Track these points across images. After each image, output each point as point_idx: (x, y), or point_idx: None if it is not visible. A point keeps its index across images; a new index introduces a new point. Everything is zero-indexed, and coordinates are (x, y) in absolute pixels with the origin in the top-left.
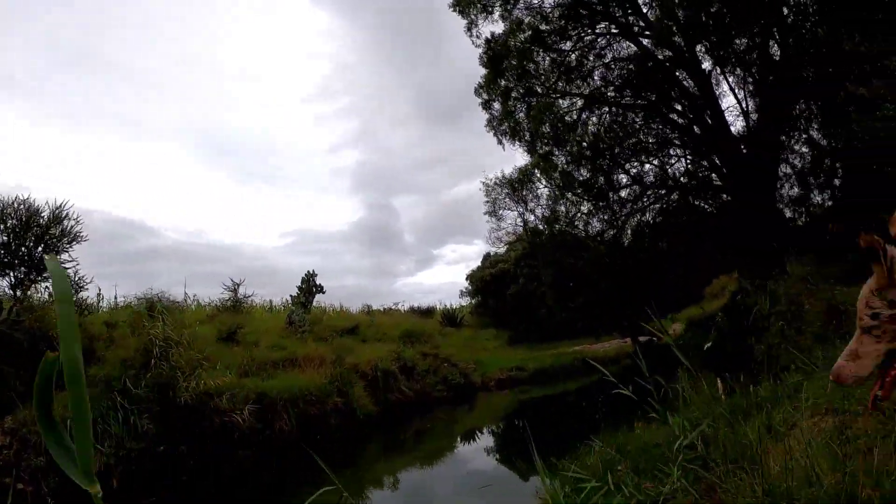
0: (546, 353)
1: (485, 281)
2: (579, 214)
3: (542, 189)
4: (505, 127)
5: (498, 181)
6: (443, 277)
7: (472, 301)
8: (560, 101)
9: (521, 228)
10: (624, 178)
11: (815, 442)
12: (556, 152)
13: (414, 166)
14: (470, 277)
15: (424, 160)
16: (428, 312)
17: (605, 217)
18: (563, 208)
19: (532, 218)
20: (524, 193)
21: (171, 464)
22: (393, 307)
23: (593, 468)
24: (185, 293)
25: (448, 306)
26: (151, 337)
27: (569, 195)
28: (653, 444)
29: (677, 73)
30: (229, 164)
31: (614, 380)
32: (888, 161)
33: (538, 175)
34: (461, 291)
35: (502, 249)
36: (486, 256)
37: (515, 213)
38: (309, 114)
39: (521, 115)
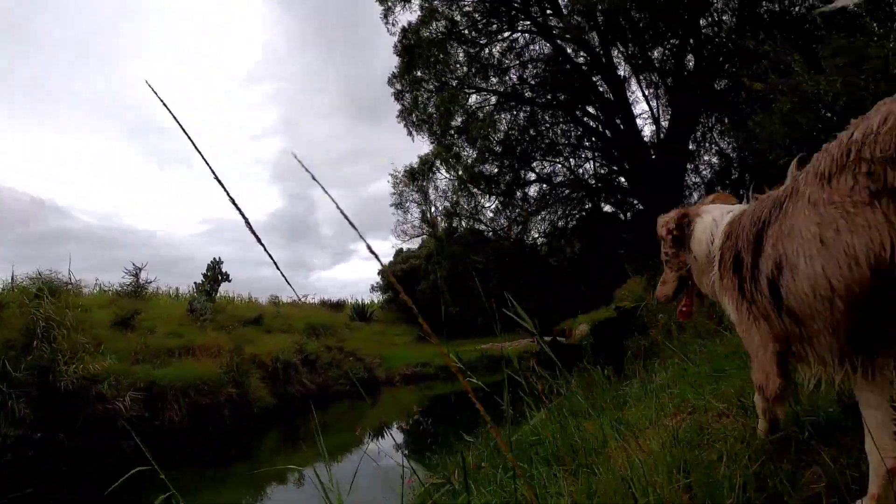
0: (453, 350)
1: (396, 276)
2: (482, 209)
3: (444, 181)
4: (414, 117)
5: (404, 173)
6: (359, 272)
7: (383, 296)
8: (474, 95)
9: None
10: (532, 177)
11: (666, 443)
12: (464, 145)
13: (338, 159)
14: (381, 273)
15: (348, 153)
16: (338, 306)
17: (512, 215)
18: (463, 202)
19: (433, 210)
20: (424, 184)
21: (50, 452)
22: (302, 299)
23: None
24: (71, 273)
25: (359, 301)
26: (34, 317)
27: (473, 189)
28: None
29: (593, 78)
30: (151, 146)
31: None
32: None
33: (439, 165)
34: (372, 286)
35: (413, 245)
36: (399, 252)
37: (422, 206)
38: (236, 100)
39: (431, 107)
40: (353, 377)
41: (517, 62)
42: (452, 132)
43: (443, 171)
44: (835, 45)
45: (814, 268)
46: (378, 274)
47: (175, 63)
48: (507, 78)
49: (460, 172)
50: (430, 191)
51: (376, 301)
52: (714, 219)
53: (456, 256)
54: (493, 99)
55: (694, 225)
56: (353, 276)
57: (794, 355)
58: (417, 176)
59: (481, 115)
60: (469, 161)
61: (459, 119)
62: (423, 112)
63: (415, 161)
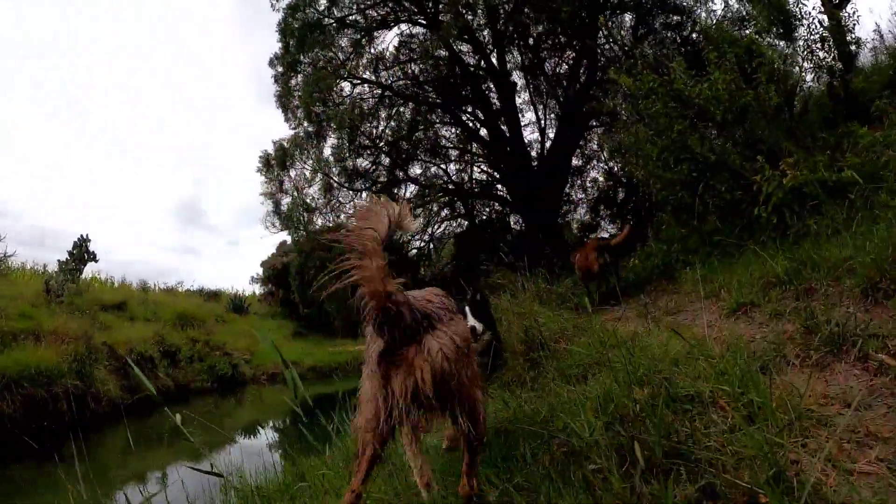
0: (327, 350)
1: (276, 269)
2: (342, 205)
3: (302, 170)
4: (290, 102)
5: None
6: (245, 262)
7: (263, 289)
8: (359, 86)
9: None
10: (414, 174)
11: None
12: (331, 134)
13: (243, 143)
14: (263, 264)
15: (251, 138)
16: (214, 296)
17: None
18: (322, 196)
19: (287, 201)
20: (280, 173)
21: None
22: (175, 286)
23: None
24: None
25: (239, 292)
26: None
27: (335, 182)
28: None
29: (483, 83)
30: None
31: None
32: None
33: (297, 155)
34: (252, 278)
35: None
36: (283, 244)
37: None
38: (148, 75)
39: (300, 91)
40: (217, 373)
41: (410, 57)
42: (319, 118)
43: (302, 161)
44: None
45: None
46: (261, 266)
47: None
48: (395, 72)
49: (322, 163)
50: (288, 181)
51: (256, 293)
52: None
53: (307, 253)
54: (377, 91)
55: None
56: (241, 265)
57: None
58: (272, 164)
59: (366, 107)
60: (342, 153)
61: (329, 106)
62: (291, 94)
63: (270, 147)
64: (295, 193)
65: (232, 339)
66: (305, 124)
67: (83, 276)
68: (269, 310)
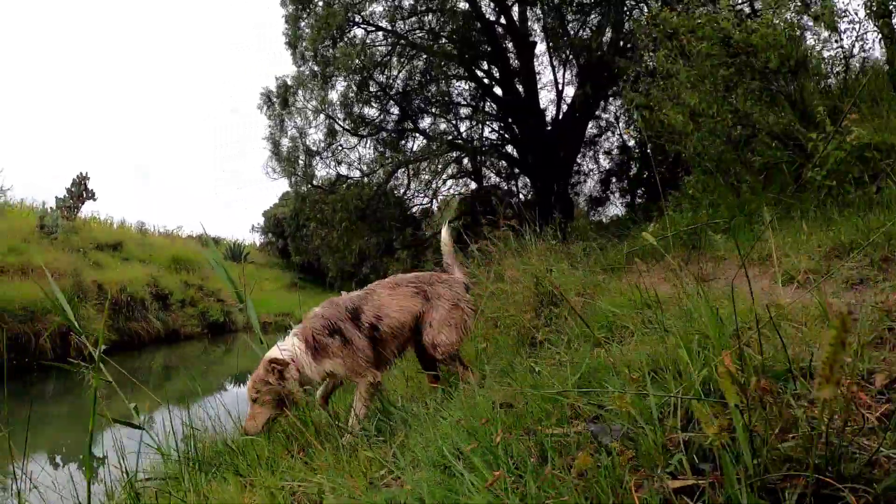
0: (320, 301)
1: (277, 219)
2: (343, 150)
3: (304, 111)
4: (293, 40)
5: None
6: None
7: (263, 239)
8: (368, 33)
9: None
10: (423, 126)
11: None
12: (340, 78)
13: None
14: (265, 214)
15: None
16: (214, 243)
17: (391, 165)
18: (324, 140)
19: (287, 143)
20: (282, 112)
21: None
22: (174, 231)
23: None
24: None
25: (238, 241)
26: None
27: (339, 127)
28: None
29: (504, 41)
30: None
31: None
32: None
33: (301, 94)
34: (252, 226)
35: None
36: (285, 194)
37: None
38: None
39: (309, 30)
40: (208, 319)
41: (428, 7)
42: (326, 59)
43: (306, 101)
44: None
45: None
46: (263, 215)
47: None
48: (412, 23)
49: (326, 105)
50: (290, 121)
51: (256, 242)
52: (285, 346)
53: (303, 198)
54: (392, 40)
55: (287, 367)
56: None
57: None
58: (274, 101)
59: (378, 55)
60: (349, 99)
61: (338, 48)
62: (300, 37)
63: (272, 84)
64: (296, 134)
65: (227, 285)
66: (312, 63)
67: (82, 214)
68: (267, 260)
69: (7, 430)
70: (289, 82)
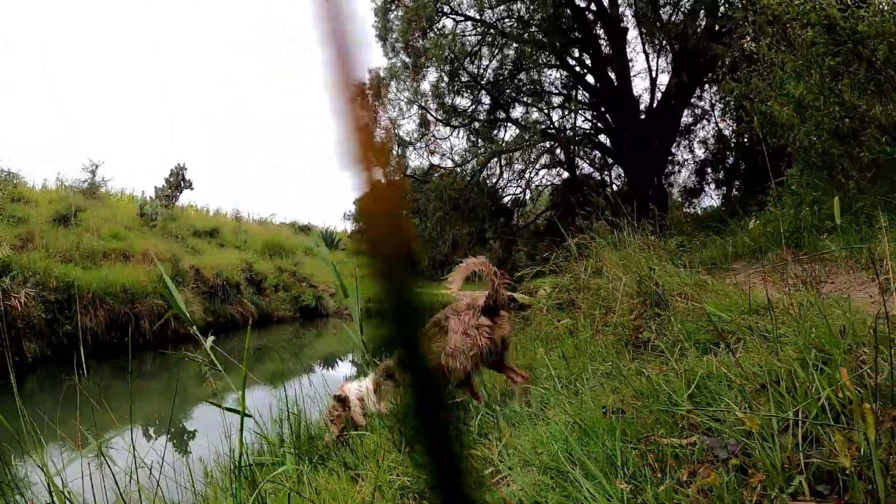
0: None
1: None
2: (435, 141)
3: (398, 102)
4: (383, 32)
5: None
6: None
7: (354, 226)
8: (457, 23)
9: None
10: (515, 116)
11: None
12: (431, 69)
13: None
14: (356, 202)
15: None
16: (305, 229)
17: (483, 154)
18: (417, 131)
19: (380, 134)
20: (373, 102)
21: None
22: (268, 218)
23: None
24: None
25: (330, 228)
26: None
27: (430, 117)
28: None
29: (594, 28)
30: None
31: None
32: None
33: (394, 85)
34: (344, 213)
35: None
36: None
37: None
38: None
39: (399, 22)
40: (301, 303)
41: None
42: (417, 51)
43: (398, 92)
44: None
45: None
46: (354, 203)
47: None
48: (500, 11)
49: (419, 96)
50: (382, 112)
51: (348, 230)
52: (360, 386)
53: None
54: (481, 29)
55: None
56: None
57: None
58: (367, 93)
59: (468, 45)
60: (440, 89)
61: (428, 39)
62: (390, 29)
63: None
64: (388, 125)
65: (319, 271)
66: (402, 55)
67: (179, 203)
68: (357, 247)
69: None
70: (381, 73)
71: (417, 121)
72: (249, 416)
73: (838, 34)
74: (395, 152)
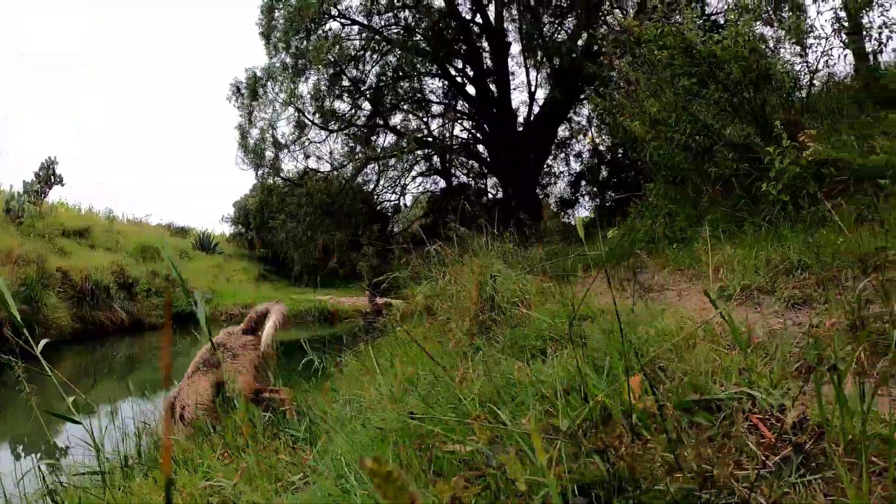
0: (289, 296)
1: (248, 210)
2: (310, 144)
3: (274, 103)
4: (267, 31)
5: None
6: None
7: (233, 229)
8: (344, 26)
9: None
10: (394, 122)
11: None
12: (312, 72)
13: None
14: (235, 204)
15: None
16: (182, 232)
17: (360, 161)
18: (293, 133)
19: (255, 134)
20: (252, 103)
21: None
22: (143, 219)
23: None
24: None
25: (208, 231)
26: None
27: (307, 120)
28: None
29: (479, 41)
30: None
31: None
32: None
33: (271, 86)
34: (222, 217)
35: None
36: (256, 185)
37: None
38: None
39: (283, 20)
40: (175, 308)
41: (404, 3)
42: (299, 51)
43: (274, 93)
44: None
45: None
46: (233, 206)
47: None
48: (388, 18)
49: (295, 97)
50: (261, 116)
51: (227, 233)
52: None
53: (269, 190)
54: (367, 35)
55: None
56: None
57: None
58: (243, 92)
59: (352, 48)
60: (320, 92)
61: (312, 40)
62: (274, 28)
63: (243, 76)
64: (264, 126)
65: (194, 276)
66: (283, 55)
67: (49, 200)
68: (236, 251)
69: None
70: (258, 73)
71: (294, 123)
72: (79, 422)
73: (695, 57)
74: (269, 154)
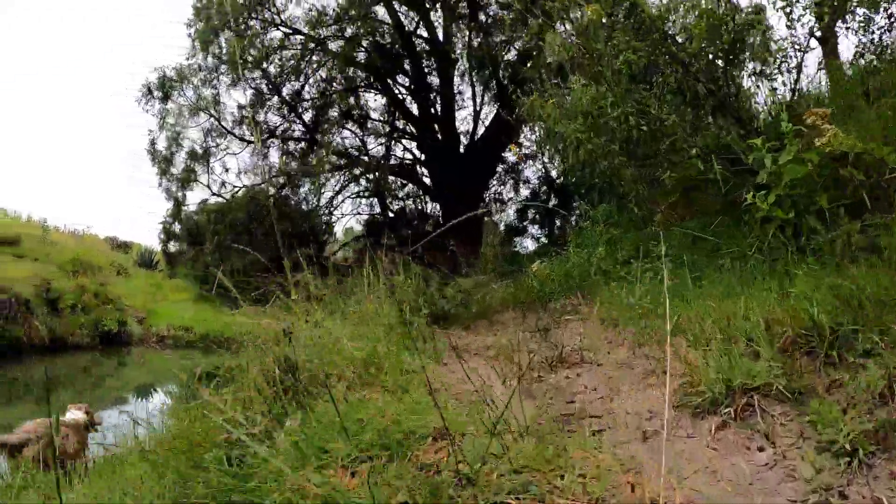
0: (224, 318)
1: (191, 226)
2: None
3: (196, 109)
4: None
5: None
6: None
7: (176, 246)
8: (287, 36)
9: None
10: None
11: None
12: (225, 73)
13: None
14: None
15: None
16: (124, 246)
17: (290, 177)
18: (212, 142)
19: (164, 144)
20: (164, 107)
21: None
22: (83, 231)
23: None
24: None
25: (150, 247)
26: None
27: (229, 129)
28: None
29: (424, 59)
30: None
31: None
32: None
33: (183, 89)
34: (158, 235)
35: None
36: (204, 202)
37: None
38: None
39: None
40: (101, 328)
41: (349, 15)
42: (221, 51)
43: (192, 98)
44: None
45: None
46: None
47: None
48: (334, 30)
49: (204, 101)
50: (171, 123)
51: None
52: None
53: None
54: (311, 45)
55: None
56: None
57: None
58: (153, 92)
59: (288, 56)
60: (248, 100)
61: (229, 42)
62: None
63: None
64: (174, 135)
65: (130, 293)
66: (201, 56)
67: None
68: (176, 269)
69: None
70: (167, 72)
71: (214, 132)
72: None
73: (644, 22)
74: (182, 165)
